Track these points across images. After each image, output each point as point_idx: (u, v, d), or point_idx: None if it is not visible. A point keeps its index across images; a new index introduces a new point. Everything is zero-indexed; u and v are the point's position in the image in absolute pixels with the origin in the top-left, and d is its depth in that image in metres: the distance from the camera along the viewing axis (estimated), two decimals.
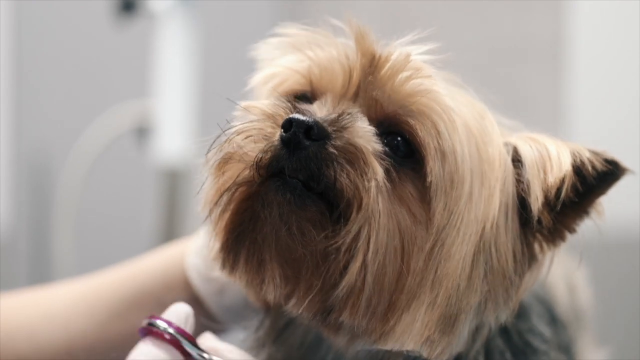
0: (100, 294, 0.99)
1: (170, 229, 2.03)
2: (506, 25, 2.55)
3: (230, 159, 0.82)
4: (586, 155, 0.84)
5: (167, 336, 0.80)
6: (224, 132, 0.83)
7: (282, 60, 0.90)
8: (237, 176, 0.82)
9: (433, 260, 0.80)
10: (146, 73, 2.26)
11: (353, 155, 0.79)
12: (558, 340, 0.92)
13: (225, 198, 0.82)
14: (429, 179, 0.81)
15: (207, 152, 0.84)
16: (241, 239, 0.82)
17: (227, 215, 0.82)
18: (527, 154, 0.85)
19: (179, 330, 0.81)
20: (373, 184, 0.78)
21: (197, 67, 2.12)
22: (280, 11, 2.98)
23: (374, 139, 0.81)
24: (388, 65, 0.83)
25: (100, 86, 2.85)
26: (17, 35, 2.79)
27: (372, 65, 0.84)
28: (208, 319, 0.98)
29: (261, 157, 0.80)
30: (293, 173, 0.78)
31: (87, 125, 2.44)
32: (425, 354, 0.82)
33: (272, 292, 0.82)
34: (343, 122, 0.80)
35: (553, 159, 0.83)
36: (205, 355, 0.82)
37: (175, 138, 2.08)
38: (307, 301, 0.80)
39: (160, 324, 0.81)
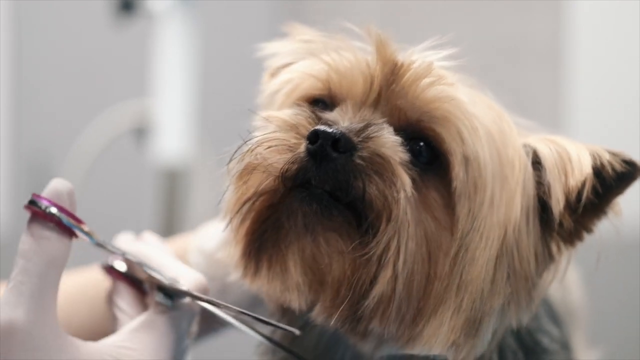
0: (100, 288, 0.98)
1: (169, 229, 2.03)
2: (505, 26, 2.55)
3: (254, 169, 0.82)
4: (606, 157, 0.84)
5: (49, 217, 0.78)
6: (245, 142, 0.83)
7: (297, 66, 0.90)
8: (260, 185, 0.81)
9: (458, 265, 0.80)
10: (145, 73, 2.26)
11: (381, 166, 0.79)
12: (563, 338, 0.93)
13: (246, 207, 0.82)
14: (454, 185, 0.81)
15: (229, 162, 0.84)
16: (264, 247, 0.82)
17: (247, 223, 0.82)
18: (547, 156, 0.85)
19: (62, 210, 0.79)
20: (402, 195, 0.78)
21: (196, 67, 2.12)
22: (280, 11, 2.98)
23: (400, 148, 0.81)
24: (410, 72, 0.83)
25: (99, 86, 2.85)
26: (17, 35, 2.79)
27: (394, 73, 0.83)
28: (210, 317, 0.98)
29: (287, 169, 0.79)
30: (320, 184, 0.78)
31: (86, 125, 2.44)
32: (450, 358, 0.82)
33: (295, 300, 0.82)
34: (369, 133, 0.80)
35: (574, 161, 0.84)
36: (94, 236, 0.82)
37: (174, 138, 2.08)
38: (334, 310, 0.80)
39: (43, 203, 0.78)
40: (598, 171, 0.84)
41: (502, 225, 0.82)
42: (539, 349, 0.89)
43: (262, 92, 0.96)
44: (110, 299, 0.88)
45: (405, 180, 0.79)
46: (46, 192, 0.80)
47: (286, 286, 0.82)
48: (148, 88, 2.19)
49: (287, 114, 0.83)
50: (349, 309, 0.79)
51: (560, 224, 0.84)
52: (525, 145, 0.86)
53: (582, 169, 0.83)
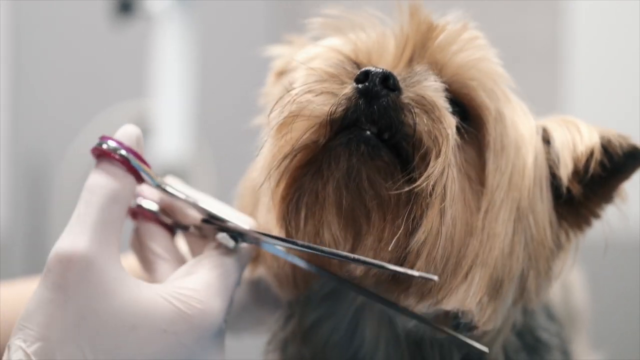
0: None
1: None
2: (505, 26, 2.55)
3: (296, 118, 0.81)
4: (614, 134, 0.87)
5: (117, 157, 0.79)
6: (287, 92, 0.82)
7: (324, 41, 0.90)
8: (301, 135, 0.80)
9: (487, 221, 0.82)
10: (143, 73, 2.26)
11: (427, 107, 0.80)
12: (560, 333, 0.93)
13: (285, 163, 0.81)
14: (487, 140, 0.83)
15: (269, 114, 0.83)
16: (301, 202, 0.81)
17: (286, 180, 0.81)
18: (556, 128, 0.88)
19: (130, 151, 0.80)
20: (450, 132, 0.79)
21: (194, 67, 2.12)
22: (276, 12, 2.98)
23: (443, 94, 0.82)
24: (446, 32, 0.86)
25: (97, 87, 2.85)
26: (15, 35, 2.79)
27: (429, 33, 0.85)
28: None
29: (335, 110, 0.79)
30: (369, 124, 0.78)
31: (84, 126, 2.44)
32: (476, 318, 0.82)
33: (339, 246, 0.81)
34: (414, 77, 0.81)
35: (582, 132, 0.87)
36: (157, 178, 0.82)
37: (172, 138, 2.08)
38: (379, 254, 0.79)
39: (111, 144, 0.80)
40: (605, 146, 0.86)
41: (517, 189, 0.83)
42: (540, 345, 0.90)
43: (266, 92, 0.95)
44: (136, 243, 0.86)
45: (450, 120, 0.80)
46: (117, 135, 0.81)
47: (326, 237, 0.81)
48: (146, 89, 2.19)
49: (328, 64, 0.83)
50: (395, 248, 0.79)
51: (570, 196, 0.86)
52: (535, 125, 0.88)
53: (590, 138, 0.86)
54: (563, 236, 0.88)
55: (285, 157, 0.80)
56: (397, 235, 0.78)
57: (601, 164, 0.86)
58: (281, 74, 0.95)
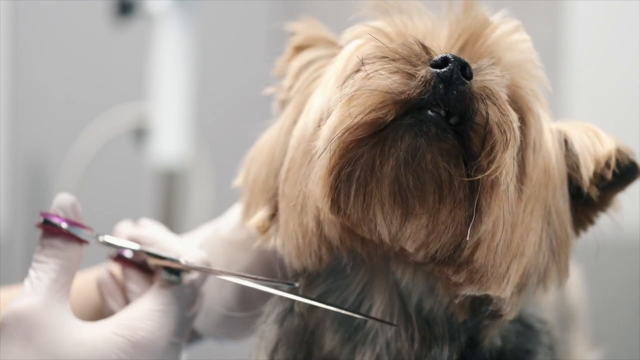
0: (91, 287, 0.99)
1: (167, 230, 2.03)
2: None
3: (367, 92, 0.81)
4: (622, 143, 0.90)
5: (57, 230, 0.88)
6: (360, 67, 0.83)
7: (371, 23, 0.91)
8: (368, 112, 0.80)
9: (526, 215, 0.84)
10: (143, 75, 2.26)
11: (494, 99, 0.81)
12: (545, 318, 0.94)
13: (346, 135, 0.81)
14: (528, 139, 0.85)
15: (342, 86, 0.84)
16: (353, 173, 0.81)
17: (342, 151, 0.81)
18: (575, 134, 0.90)
19: (67, 221, 0.89)
20: (515, 125, 0.81)
21: (194, 68, 2.12)
22: (277, 14, 2.98)
23: (505, 89, 0.83)
24: (500, 29, 0.88)
25: (97, 88, 2.85)
26: (15, 36, 2.79)
27: (484, 28, 0.87)
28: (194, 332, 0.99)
29: (413, 90, 0.80)
30: (442, 108, 0.79)
31: (84, 127, 2.44)
32: (504, 307, 0.84)
33: (382, 231, 0.82)
34: (483, 69, 0.83)
35: (601, 137, 0.90)
36: (100, 237, 0.92)
37: (172, 140, 2.08)
38: (432, 239, 0.80)
39: (51, 220, 0.88)
40: (617, 152, 0.89)
41: (546, 186, 0.86)
42: (530, 332, 0.92)
43: (283, 65, 0.96)
44: (100, 287, 0.97)
45: (514, 114, 0.82)
46: (53, 209, 0.89)
47: (377, 213, 0.81)
48: (146, 90, 2.19)
49: (399, 45, 0.83)
50: (454, 234, 0.80)
51: (586, 196, 0.89)
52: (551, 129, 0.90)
53: (609, 143, 0.89)
54: None
55: (348, 130, 0.81)
56: (459, 221, 0.80)
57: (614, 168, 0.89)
58: (300, 48, 0.95)
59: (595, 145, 0.89)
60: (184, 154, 2.10)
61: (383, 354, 0.86)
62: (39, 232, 0.88)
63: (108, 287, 0.96)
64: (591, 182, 0.89)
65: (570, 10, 2.50)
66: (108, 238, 0.93)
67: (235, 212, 1.00)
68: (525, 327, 0.91)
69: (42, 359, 0.84)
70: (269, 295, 0.91)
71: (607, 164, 0.88)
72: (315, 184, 0.83)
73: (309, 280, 0.89)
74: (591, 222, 0.92)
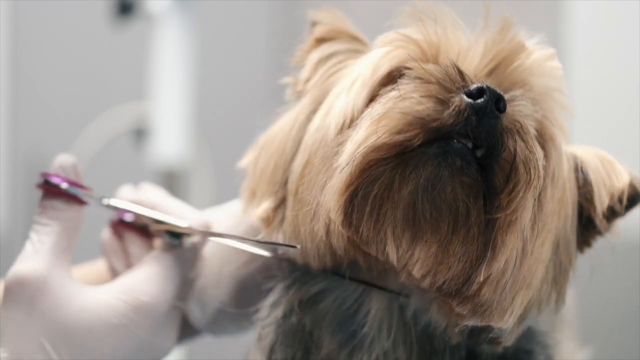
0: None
1: None
2: None
3: (397, 115, 0.80)
4: (635, 176, 0.89)
5: (58, 191, 0.89)
6: (395, 87, 0.82)
7: (403, 30, 0.89)
8: (396, 134, 0.79)
9: (536, 246, 0.83)
10: (143, 75, 2.26)
11: (522, 135, 0.80)
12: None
13: (370, 152, 0.80)
14: (548, 170, 0.83)
15: (371, 100, 0.84)
16: (369, 193, 0.80)
17: (362, 167, 0.80)
18: (590, 164, 0.89)
19: (68, 181, 0.90)
20: (540, 164, 0.80)
21: (194, 68, 2.12)
22: (277, 14, 2.98)
23: (533, 122, 0.82)
24: (535, 56, 0.86)
25: (97, 88, 2.85)
26: (15, 36, 2.79)
27: (519, 53, 0.86)
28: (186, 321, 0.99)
29: (445, 119, 0.78)
30: (471, 140, 0.78)
31: (84, 127, 2.44)
32: (504, 336, 0.84)
33: (390, 253, 0.81)
34: (514, 102, 0.81)
35: (616, 167, 0.89)
36: (104, 200, 0.93)
37: (172, 139, 2.08)
38: (441, 270, 0.79)
39: (51, 180, 0.90)
40: (630, 186, 0.89)
41: (560, 217, 0.85)
42: (529, 332, 0.91)
43: (303, 55, 0.94)
44: (104, 247, 0.98)
45: (540, 152, 0.81)
46: (54, 167, 0.91)
47: (388, 235, 0.80)
48: (146, 90, 2.19)
49: (434, 68, 0.82)
50: (465, 267, 0.79)
51: (595, 227, 0.88)
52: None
53: (625, 175, 0.88)
54: None
55: (373, 148, 0.80)
56: (471, 255, 0.79)
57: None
58: (321, 40, 0.94)
59: (611, 177, 0.88)
60: (184, 153, 2.10)
61: None
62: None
63: (112, 247, 0.97)
64: (603, 215, 0.88)
65: (570, 10, 2.50)
66: (112, 201, 0.94)
67: (232, 208, 0.99)
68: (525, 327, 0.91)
69: (46, 325, 0.84)
70: (265, 292, 0.91)
71: (620, 199, 0.87)
72: (331, 195, 0.82)
73: (309, 275, 0.88)
74: (589, 245, 0.91)
